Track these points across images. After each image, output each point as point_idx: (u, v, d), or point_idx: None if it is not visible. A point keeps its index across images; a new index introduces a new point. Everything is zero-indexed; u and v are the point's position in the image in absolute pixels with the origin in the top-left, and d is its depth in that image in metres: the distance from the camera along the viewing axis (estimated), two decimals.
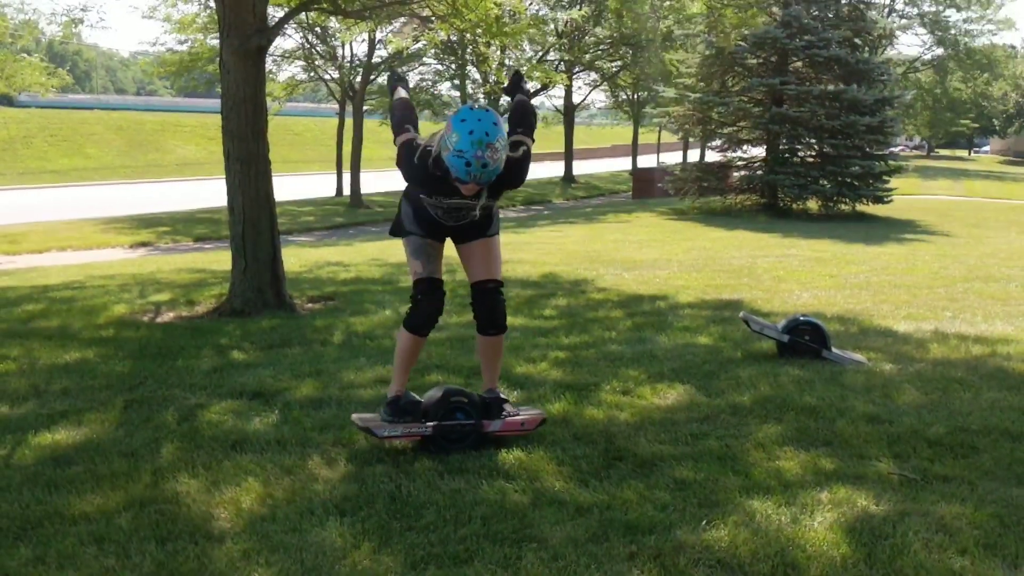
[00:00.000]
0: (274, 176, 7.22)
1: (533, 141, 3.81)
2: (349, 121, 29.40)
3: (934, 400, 4.50)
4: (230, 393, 4.60)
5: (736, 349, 5.66)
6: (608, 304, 7.44)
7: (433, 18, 10.82)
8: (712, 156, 23.92)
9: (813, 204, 20.39)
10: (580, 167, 43.62)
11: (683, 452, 3.67)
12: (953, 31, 49.22)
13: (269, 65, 26.84)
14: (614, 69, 33.07)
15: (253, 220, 6.97)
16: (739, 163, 21.48)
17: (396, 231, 3.86)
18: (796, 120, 19.52)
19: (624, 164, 52.37)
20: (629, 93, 37.21)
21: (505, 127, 3.36)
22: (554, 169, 48.22)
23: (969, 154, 78.25)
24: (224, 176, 7.06)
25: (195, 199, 27.79)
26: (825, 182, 20.00)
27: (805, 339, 5.50)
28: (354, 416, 3.84)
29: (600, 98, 45.10)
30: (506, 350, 5.57)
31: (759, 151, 21.36)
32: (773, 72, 20.21)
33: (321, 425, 4.04)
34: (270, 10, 7.45)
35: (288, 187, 30.37)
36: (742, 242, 13.73)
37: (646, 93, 34.02)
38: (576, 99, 37.01)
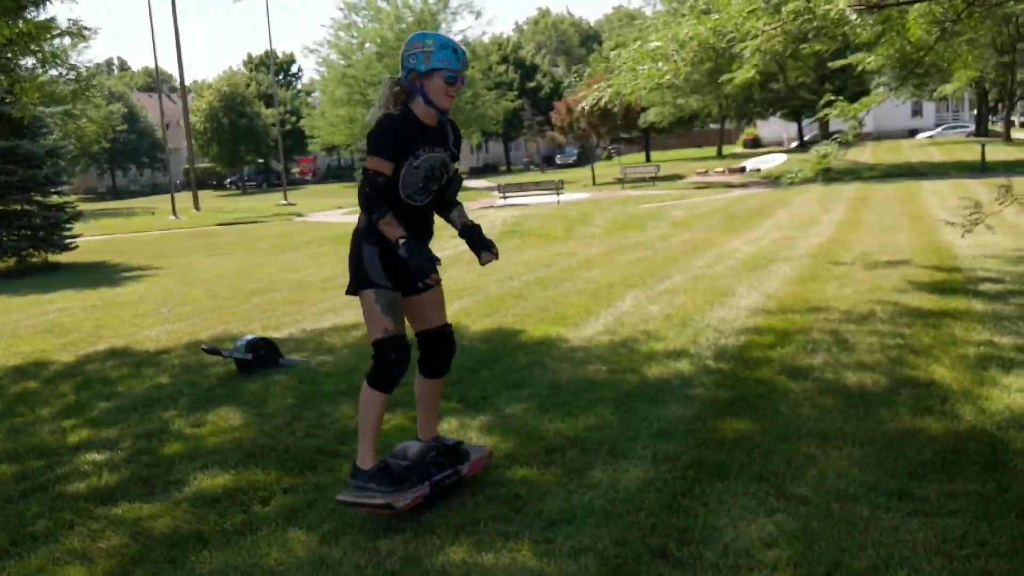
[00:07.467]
0: None
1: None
2: None
3: None
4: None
5: (203, 376, 6.65)
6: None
7: None
8: None
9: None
10: None
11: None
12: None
13: None
14: None
15: None
16: None
17: (360, 285, 3.64)
18: None
19: None
20: None
21: None
22: None
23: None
24: None
25: None
26: (6, 237, 19.70)
27: (262, 353, 6.68)
28: (340, 497, 3.65)
29: None
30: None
31: None
32: None
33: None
34: None
35: None
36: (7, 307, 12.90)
37: None
38: None
